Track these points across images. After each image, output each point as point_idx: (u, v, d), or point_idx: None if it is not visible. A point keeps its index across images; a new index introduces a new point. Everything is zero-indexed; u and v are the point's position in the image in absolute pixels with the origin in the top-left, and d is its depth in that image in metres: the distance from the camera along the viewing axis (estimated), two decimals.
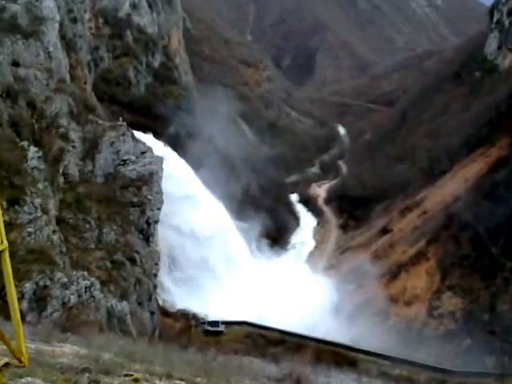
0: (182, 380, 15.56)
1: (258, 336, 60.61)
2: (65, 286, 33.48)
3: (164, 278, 65.81)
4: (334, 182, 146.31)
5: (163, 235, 63.24)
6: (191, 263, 73.22)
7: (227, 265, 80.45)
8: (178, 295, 68.05)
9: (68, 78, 58.46)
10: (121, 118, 62.45)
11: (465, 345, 66.63)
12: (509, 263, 72.06)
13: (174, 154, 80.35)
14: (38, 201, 37.30)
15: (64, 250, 39.16)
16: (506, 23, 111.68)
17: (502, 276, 71.95)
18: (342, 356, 57.86)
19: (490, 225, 76.62)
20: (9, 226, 32.96)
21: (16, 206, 35.75)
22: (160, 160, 60.05)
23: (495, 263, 73.72)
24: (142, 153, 58.25)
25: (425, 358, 60.30)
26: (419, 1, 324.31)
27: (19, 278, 30.63)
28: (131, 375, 14.09)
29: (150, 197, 54.25)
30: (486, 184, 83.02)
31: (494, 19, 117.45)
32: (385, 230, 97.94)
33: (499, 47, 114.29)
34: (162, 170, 59.18)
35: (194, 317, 62.64)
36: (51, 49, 53.96)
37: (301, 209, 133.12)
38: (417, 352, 63.07)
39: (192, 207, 74.69)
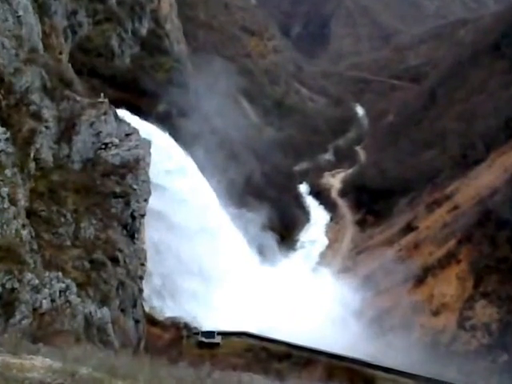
0: None
1: (260, 349, 60.76)
2: (36, 289, 33.46)
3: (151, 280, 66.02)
4: (350, 170, 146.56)
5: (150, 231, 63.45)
6: (179, 263, 73.34)
7: (224, 266, 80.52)
8: (167, 301, 68.31)
9: (41, 46, 58.17)
10: (102, 95, 62.20)
11: (501, 361, 66.73)
12: None
13: (165, 136, 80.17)
14: (5, 190, 37.22)
15: (35, 247, 39.11)
16: None
17: None
18: (357, 373, 57.96)
19: None
20: None
21: None
22: (147, 144, 59.90)
23: None
24: (127, 135, 58.08)
25: (454, 376, 60.43)
26: None
27: None
28: None
29: (135, 186, 54.12)
30: None
31: None
32: (409, 228, 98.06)
33: None
34: (149, 155, 59.02)
35: (186, 326, 62.79)
36: (21, 13, 53.68)
37: (311, 202, 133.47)
38: (445, 369, 63.18)
39: (184, 199, 74.74)
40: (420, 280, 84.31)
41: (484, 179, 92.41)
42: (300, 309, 76.71)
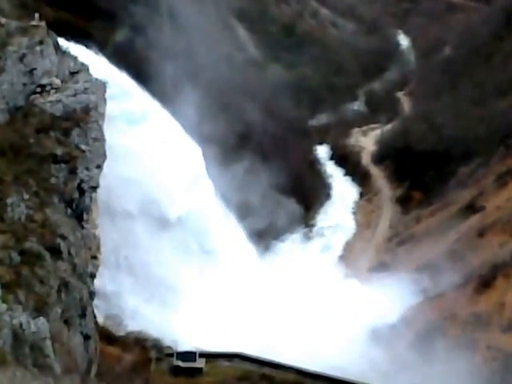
0: None
1: (259, 377, 61.17)
2: None
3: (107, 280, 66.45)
4: (388, 126, 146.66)
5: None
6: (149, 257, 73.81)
7: (209, 261, 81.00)
8: (130, 310, 68.81)
9: None
10: (37, 15, 62.04)
11: None
12: None
13: (125, 75, 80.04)
14: None
15: None
16: None
17: None
18: None
19: None
20: None
21: None
22: (102, 86, 59.93)
23: None
24: (73, 73, 58.10)
25: None
26: None
27: None
28: None
29: (84, 147, 54.23)
30: None
31: None
32: (472, 208, 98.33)
33: None
34: (104, 102, 59.10)
35: (156, 345, 63.28)
36: None
37: (334, 170, 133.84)
38: None
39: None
40: (486, 282, 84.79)
41: None
42: (315, 322, 77.25)
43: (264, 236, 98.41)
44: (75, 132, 54.21)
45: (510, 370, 73.79)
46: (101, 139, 56.64)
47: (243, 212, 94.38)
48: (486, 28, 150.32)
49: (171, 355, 61.79)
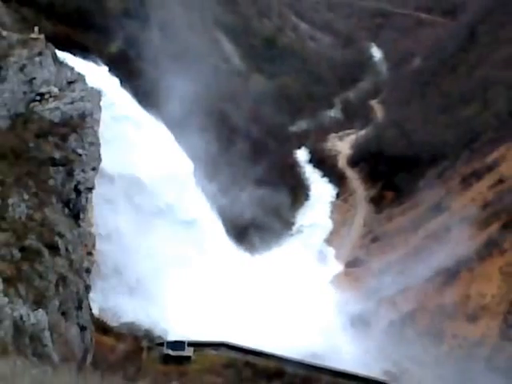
0: None
1: (243, 365, 61.09)
2: None
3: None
4: (363, 132, 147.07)
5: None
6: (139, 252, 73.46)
7: (195, 257, 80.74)
8: (122, 302, 68.50)
9: None
10: (36, 29, 61.78)
11: None
12: None
13: (117, 84, 79.81)
14: None
15: None
16: None
17: None
18: None
19: None
20: None
21: None
22: (97, 94, 59.78)
23: None
24: (70, 83, 57.92)
25: None
26: None
27: None
28: None
29: (80, 151, 54.08)
30: None
31: None
32: (439, 208, 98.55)
33: None
34: (99, 109, 58.94)
35: (147, 335, 63.10)
36: None
37: (311, 173, 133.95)
38: None
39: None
40: (452, 276, 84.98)
41: None
42: (295, 312, 77.18)
43: (247, 233, 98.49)
44: (72, 137, 54.04)
45: (475, 357, 74.02)
46: (96, 144, 56.51)
47: (228, 210, 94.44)
48: (451, 41, 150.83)
49: (162, 344, 61.67)
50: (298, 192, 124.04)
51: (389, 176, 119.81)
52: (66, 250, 48.95)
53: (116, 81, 79.02)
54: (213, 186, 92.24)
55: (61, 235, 48.64)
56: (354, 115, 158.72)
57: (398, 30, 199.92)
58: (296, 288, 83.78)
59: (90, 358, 50.36)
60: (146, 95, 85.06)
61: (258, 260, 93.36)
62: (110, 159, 64.60)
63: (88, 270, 55.57)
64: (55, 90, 55.99)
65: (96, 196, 59.36)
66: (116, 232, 71.94)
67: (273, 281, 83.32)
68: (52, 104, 54.91)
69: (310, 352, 66.53)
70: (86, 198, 55.54)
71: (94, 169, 55.95)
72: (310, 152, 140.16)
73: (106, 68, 79.31)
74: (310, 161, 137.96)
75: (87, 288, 53.51)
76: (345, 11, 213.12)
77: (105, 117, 63.36)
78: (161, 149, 79.48)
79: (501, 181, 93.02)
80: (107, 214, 69.74)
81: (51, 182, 51.39)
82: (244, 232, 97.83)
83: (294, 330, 72.55)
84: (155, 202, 76.81)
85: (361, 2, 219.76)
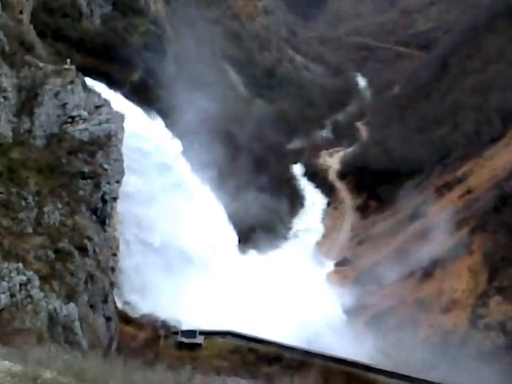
0: None
1: (247, 351, 60.89)
2: None
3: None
4: (350, 149, 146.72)
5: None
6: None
7: (207, 256, 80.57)
8: (142, 296, 68.30)
9: None
10: (68, 61, 61.82)
11: None
12: None
13: (139, 110, 79.87)
14: None
15: None
16: None
17: None
18: (356, 377, 58.26)
19: None
20: None
21: None
22: (120, 117, 59.75)
23: None
24: (97, 107, 57.88)
25: (466, 381, 60.90)
26: None
27: None
28: None
29: (106, 166, 54.03)
30: None
31: None
32: (416, 215, 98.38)
33: None
34: (122, 130, 58.90)
35: (164, 325, 62.89)
36: None
37: (306, 184, 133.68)
38: (456, 373, 63.62)
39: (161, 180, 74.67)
40: (427, 273, 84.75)
41: (501, 160, 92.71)
42: (292, 305, 76.92)
43: (251, 235, 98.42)
44: (99, 154, 54.02)
45: (448, 344, 73.77)
46: (120, 160, 56.47)
47: (235, 216, 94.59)
48: (426, 71, 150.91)
49: (176, 333, 61.56)
50: (295, 201, 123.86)
51: (372, 187, 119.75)
52: (94, 251, 48.90)
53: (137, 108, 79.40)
54: (223, 194, 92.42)
55: (89, 239, 48.57)
56: (342, 135, 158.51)
57: (380, 62, 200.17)
58: (292, 282, 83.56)
59: (114, 345, 50.23)
60: (163, 117, 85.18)
61: (260, 258, 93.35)
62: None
63: (113, 269, 55.54)
64: (84, 113, 55.98)
65: None
66: None
67: (272, 278, 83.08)
68: (82, 125, 54.90)
69: (303, 339, 66.24)
70: (111, 207, 55.48)
71: (117, 181, 55.90)
72: (305, 167, 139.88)
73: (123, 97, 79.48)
74: (305, 174, 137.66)
75: (112, 284, 53.47)
76: (334, 45, 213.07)
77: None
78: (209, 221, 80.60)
79: (469, 191, 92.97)
80: None
81: (81, 192, 51.37)
82: (248, 234, 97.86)
83: (290, 320, 72.25)
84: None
85: (348, 37, 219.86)
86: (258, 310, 72.67)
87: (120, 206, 61.02)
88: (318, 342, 68.46)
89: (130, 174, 62.47)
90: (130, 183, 63.97)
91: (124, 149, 59.20)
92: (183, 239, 75.98)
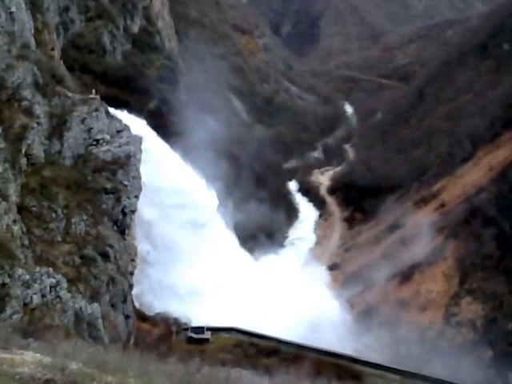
0: None
1: (248, 345, 60.67)
2: (26, 285, 33.35)
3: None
4: (338, 168, 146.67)
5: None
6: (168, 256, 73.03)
7: (216, 261, 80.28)
8: (156, 296, 68.06)
9: (33, 43, 57.89)
10: (94, 91, 62.00)
11: (486, 358, 67.11)
12: None
13: (154, 134, 79.88)
14: None
15: (26, 242, 38.97)
16: None
17: None
18: (344, 369, 58.00)
19: None
20: None
21: None
22: (138, 140, 59.76)
23: None
24: (118, 131, 57.90)
25: (440, 371, 60.64)
26: None
27: None
28: None
29: (126, 182, 54.01)
30: None
31: None
32: (396, 225, 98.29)
33: None
34: (140, 151, 58.88)
35: (176, 322, 62.68)
36: (14, 9, 53.35)
37: (300, 199, 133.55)
38: (431, 365, 63.46)
39: (174, 196, 74.62)
40: (407, 277, 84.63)
41: (470, 177, 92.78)
42: (288, 305, 76.65)
43: (252, 243, 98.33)
44: (120, 172, 53.99)
45: (424, 339, 73.63)
46: (138, 177, 56.40)
47: (239, 223, 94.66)
48: (405, 100, 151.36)
49: (187, 329, 61.35)
50: (290, 213, 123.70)
51: (358, 201, 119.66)
52: (115, 257, 48.82)
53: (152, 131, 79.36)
54: (228, 207, 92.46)
55: (111, 246, 48.52)
56: (332, 156, 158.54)
57: (364, 92, 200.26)
58: (288, 286, 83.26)
59: (132, 340, 50.08)
60: (176, 141, 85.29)
61: (261, 262, 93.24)
62: None
63: (131, 273, 55.33)
64: (107, 136, 56.01)
65: None
66: None
67: (271, 281, 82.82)
68: (105, 147, 54.93)
69: (298, 335, 65.93)
70: (130, 218, 55.38)
71: (136, 196, 55.81)
72: (299, 183, 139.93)
73: (144, 121, 79.46)
74: (299, 190, 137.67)
75: (130, 286, 53.29)
76: (325, 77, 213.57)
77: None
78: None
79: (443, 205, 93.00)
80: None
81: (104, 206, 51.32)
82: (251, 240, 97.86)
83: (285, 318, 71.89)
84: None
85: (337, 70, 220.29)
86: (261, 309, 72.30)
87: None
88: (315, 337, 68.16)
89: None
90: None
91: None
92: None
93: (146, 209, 68.48)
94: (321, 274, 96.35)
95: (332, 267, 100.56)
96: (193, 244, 74.66)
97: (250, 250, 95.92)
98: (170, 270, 70.79)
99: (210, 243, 78.70)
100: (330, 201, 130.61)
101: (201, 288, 72.30)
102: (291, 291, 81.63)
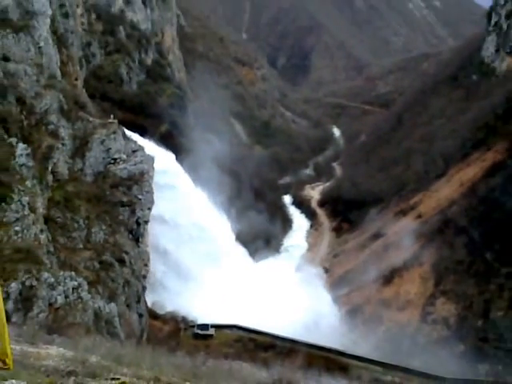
0: None
1: (248, 340, 60.54)
2: (52, 287, 33.29)
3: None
4: (327, 184, 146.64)
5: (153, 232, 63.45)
6: (179, 260, 72.81)
7: (217, 263, 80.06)
8: (167, 296, 67.83)
9: (59, 74, 58.20)
10: (112, 116, 62.34)
11: (458, 351, 66.82)
12: (503, 269, 72.34)
13: (166, 153, 79.97)
14: (25, 199, 37.10)
15: (51, 249, 38.96)
16: (504, 26, 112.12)
17: (496, 282, 72.20)
18: (333, 361, 57.81)
19: (485, 230, 76.97)
20: None
21: (3, 204, 35.53)
22: (151, 159, 59.95)
23: (490, 269, 73.99)
24: (133, 151, 58.14)
25: (417, 364, 60.45)
26: (417, 2, 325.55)
27: (5, 277, 30.43)
28: (118, 379, 14.00)
29: (140, 196, 54.13)
30: (481, 188, 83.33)
31: (492, 22, 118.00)
32: (379, 234, 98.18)
33: (497, 50, 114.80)
34: (153, 169, 59.06)
35: (184, 320, 62.52)
36: (42, 44, 53.69)
37: (294, 211, 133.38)
38: (409, 358, 63.20)
39: (184, 210, 74.51)
40: (388, 280, 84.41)
41: (443, 192, 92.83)
42: (283, 305, 76.43)
43: (252, 249, 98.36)
44: (135, 187, 54.13)
45: (403, 335, 73.34)
46: (150, 191, 56.54)
47: (240, 231, 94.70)
48: (385, 124, 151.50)
49: (193, 326, 61.28)
50: (285, 223, 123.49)
51: (345, 213, 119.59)
52: (130, 262, 48.78)
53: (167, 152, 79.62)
54: (231, 217, 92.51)
55: (126, 253, 48.50)
56: (322, 173, 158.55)
57: (350, 117, 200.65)
58: (283, 288, 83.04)
59: (145, 336, 49.88)
60: (185, 160, 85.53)
61: (259, 266, 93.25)
62: None
63: (144, 276, 55.29)
64: (124, 156, 56.18)
65: None
66: None
67: (268, 283, 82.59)
68: (122, 165, 55.07)
69: (291, 332, 65.64)
70: (144, 228, 55.45)
71: (149, 208, 55.91)
72: (293, 197, 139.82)
73: (173, 156, 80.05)
74: (293, 203, 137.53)
75: (144, 288, 53.22)
76: (315, 104, 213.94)
77: None
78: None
79: (419, 216, 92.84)
80: None
81: (120, 217, 51.39)
82: (251, 246, 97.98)
83: (281, 317, 71.59)
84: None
85: (326, 98, 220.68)
86: (260, 307, 71.88)
87: None
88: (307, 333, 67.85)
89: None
90: None
91: None
92: None
93: (165, 241, 68.80)
94: (316, 275, 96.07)
95: (322, 271, 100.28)
96: (209, 274, 74.17)
97: (251, 254, 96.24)
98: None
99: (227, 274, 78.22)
100: (320, 212, 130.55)
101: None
102: (286, 292, 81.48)
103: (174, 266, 70.65)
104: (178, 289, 68.88)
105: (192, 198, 78.97)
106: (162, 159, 72.29)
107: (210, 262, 74.92)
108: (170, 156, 79.18)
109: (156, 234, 65.83)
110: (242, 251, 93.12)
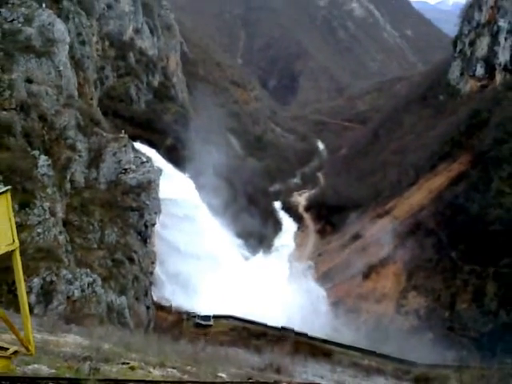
0: (173, 368, 15.55)
1: (242, 329, 60.45)
2: (69, 282, 33.29)
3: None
4: (313, 191, 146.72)
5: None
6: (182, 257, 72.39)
7: (216, 262, 79.87)
8: (170, 290, 67.59)
9: (76, 94, 58.21)
10: (123, 131, 62.33)
11: (427, 339, 66.99)
12: (467, 266, 72.72)
13: (170, 165, 79.95)
14: (46, 204, 37.08)
15: (69, 249, 38.92)
16: (468, 53, 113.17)
17: (461, 278, 72.60)
18: (317, 348, 57.86)
19: (451, 232, 77.35)
20: (20, 227, 32.72)
21: (27, 209, 35.53)
22: (158, 170, 60.05)
23: (455, 266, 74.37)
24: (142, 163, 58.18)
25: (392, 350, 60.46)
26: (391, 31, 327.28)
27: (28, 273, 30.42)
28: (128, 363, 14.07)
29: (148, 202, 54.15)
30: (447, 195, 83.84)
31: (457, 49, 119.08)
32: (358, 235, 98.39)
33: (461, 74, 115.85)
34: (159, 178, 59.12)
35: (186, 312, 62.37)
36: (61, 68, 53.73)
37: (283, 215, 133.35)
38: (385, 345, 63.23)
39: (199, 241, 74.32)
40: (366, 276, 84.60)
41: (415, 198, 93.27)
42: (273, 298, 76.36)
43: (247, 246, 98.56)
44: (143, 194, 54.13)
45: (379, 325, 73.48)
46: (157, 198, 56.54)
47: (236, 234, 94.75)
48: (364, 138, 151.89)
49: (195, 317, 61.07)
50: (275, 226, 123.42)
51: (328, 217, 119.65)
52: (139, 261, 48.74)
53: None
54: (227, 220, 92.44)
55: (135, 252, 48.46)
56: (308, 181, 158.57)
57: (332, 132, 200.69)
58: (274, 283, 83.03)
59: (151, 325, 49.77)
60: (187, 168, 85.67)
61: (252, 262, 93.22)
62: None
63: (151, 273, 55.22)
64: (133, 166, 56.19)
65: None
66: None
67: (260, 278, 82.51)
68: (132, 175, 55.08)
69: (282, 321, 65.57)
70: (151, 230, 55.43)
71: (155, 213, 55.90)
72: (282, 203, 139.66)
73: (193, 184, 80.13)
74: (282, 208, 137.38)
75: (151, 283, 53.16)
76: (302, 121, 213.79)
77: None
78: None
79: (394, 219, 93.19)
80: None
81: (130, 220, 51.34)
82: (245, 245, 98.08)
83: (271, 308, 71.52)
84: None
85: (311, 115, 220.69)
86: (253, 300, 71.49)
87: None
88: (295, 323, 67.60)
89: None
90: None
91: None
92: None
93: (177, 266, 68.29)
94: (307, 268, 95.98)
95: (308, 268, 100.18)
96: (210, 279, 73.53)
97: (244, 253, 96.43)
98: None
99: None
100: (306, 216, 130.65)
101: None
102: (277, 287, 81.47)
103: (182, 284, 69.91)
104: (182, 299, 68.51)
105: (207, 229, 78.88)
106: (182, 186, 72.04)
107: (211, 272, 74.26)
108: (189, 184, 78.74)
109: (167, 260, 65.87)
110: (240, 252, 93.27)
